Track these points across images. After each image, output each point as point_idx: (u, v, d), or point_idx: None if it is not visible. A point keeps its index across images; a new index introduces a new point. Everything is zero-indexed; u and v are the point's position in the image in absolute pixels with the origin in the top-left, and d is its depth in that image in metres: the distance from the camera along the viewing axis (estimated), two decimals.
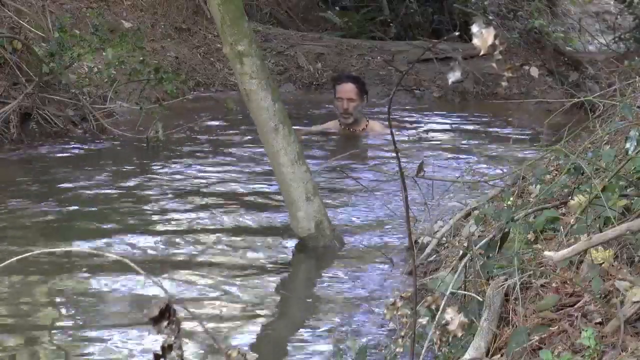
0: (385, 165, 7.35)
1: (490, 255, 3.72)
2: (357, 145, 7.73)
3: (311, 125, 8.45)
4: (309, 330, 4.30)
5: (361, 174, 6.98)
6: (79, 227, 5.54)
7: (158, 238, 5.38)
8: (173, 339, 2.28)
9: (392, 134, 3.02)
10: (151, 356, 2.32)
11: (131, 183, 6.51)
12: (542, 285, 3.49)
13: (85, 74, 8.19)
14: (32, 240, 5.25)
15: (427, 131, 8.89)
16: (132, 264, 2.39)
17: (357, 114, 7.96)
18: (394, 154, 7.34)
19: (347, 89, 7.93)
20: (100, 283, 4.68)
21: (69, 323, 4.26)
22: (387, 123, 8.43)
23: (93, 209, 5.90)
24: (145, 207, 5.96)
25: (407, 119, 9.52)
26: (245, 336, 4.20)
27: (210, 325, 4.22)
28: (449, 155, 7.86)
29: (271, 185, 6.25)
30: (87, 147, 7.61)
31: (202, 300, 4.54)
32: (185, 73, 9.97)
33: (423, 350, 3.17)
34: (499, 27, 10.84)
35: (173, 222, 5.67)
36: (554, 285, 3.45)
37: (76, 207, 5.92)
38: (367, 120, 8.16)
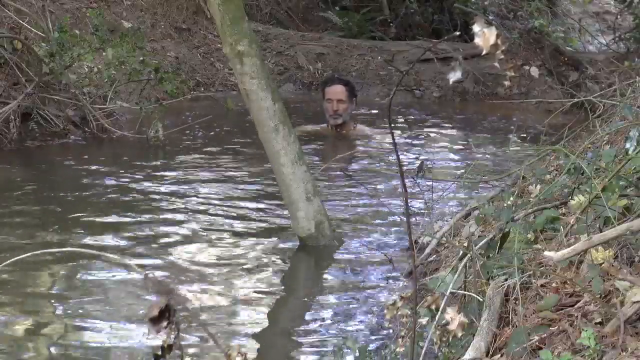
0: (385, 165, 7.35)
1: (490, 255, 3.72)
2: (348, 146, 7.73)
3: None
4: (309, 330, 4.30)
5: (360, 174, 6.99)
6: (79, 227, 5.54)
7: (158, 238, 5.38)
8: (173, 339, 2.28)
9: (392, 134, 3.02)
10: (151, 356, 2.32)
11: (131, 183, 6.50)
12: (542, 285, 3.49)
13: (85, 74, 8.18)
14: (32, 239, 5.25)
15: (423, 132, 8.90)
16: (132, 264, 2.39)
17: (346, 117, 7.97)
18: (392, 154, 7.37)
19: (337, 91, 7.94)
20: (101, 283, 4.68)
21: (69, 322, 4.26)
22: (374, 126, 8.50)
23: (93, 208, 5.90)
24: (146, 207, 5.96)
25: (406, 118, 9.54)
26: (245, 336, 4.20)
27: (210, 325, 4.22)
28: (449, 155, 7.87)
29: (271, 185, 6.25)
30: (87, 147, 7.60)
31: (202, 300, 4.54)
32: (185, 73, 9.96)
33: (423, 350, 3.17)
34: (499, 27, 10.84)
35: (173, 222, 5.66)
36: (554, 285, 3.45)
37: (76, 207, 5.92)
38: (355, 124, 8.18)
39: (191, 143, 7.92)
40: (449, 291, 3.38)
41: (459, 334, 3.08)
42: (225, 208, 6.01)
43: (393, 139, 3.04)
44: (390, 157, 7.51)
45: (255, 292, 4.70)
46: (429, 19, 12.64)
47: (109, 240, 5.31)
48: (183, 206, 6.00)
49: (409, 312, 3.09)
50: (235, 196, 6.31)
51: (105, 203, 6.03)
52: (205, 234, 5.49)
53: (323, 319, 4.39)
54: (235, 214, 5.89)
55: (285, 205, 5.26)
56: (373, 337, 4.12)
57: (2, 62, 7.61)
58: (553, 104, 8.33)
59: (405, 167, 6.72)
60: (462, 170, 6.62)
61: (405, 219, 3.71)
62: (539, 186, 4.53)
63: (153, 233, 5.46)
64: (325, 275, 5.05)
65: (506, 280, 3.49)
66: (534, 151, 5.25)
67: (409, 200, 3.12)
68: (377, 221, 5.81)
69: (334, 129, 8.04)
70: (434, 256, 4.83)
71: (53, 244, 5.18)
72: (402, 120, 9.34)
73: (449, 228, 4.93)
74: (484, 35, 2.32)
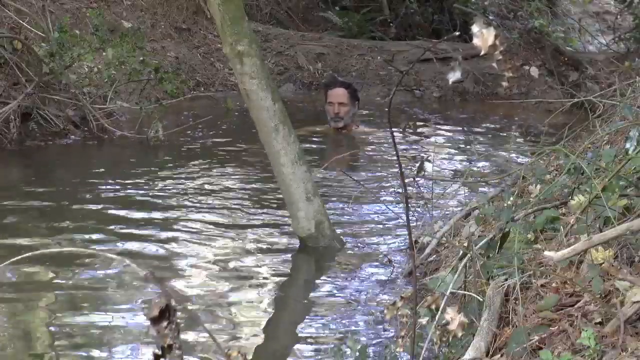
0: (385, 165, 7.35)
1: (490, 255, 3.72)
2: (350, 147, 7.76)
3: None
4: (309, 330, 4.30)
5: (361, 174, 6.99)
6: (79, 227, 5.54)
7: (158, 238, 5.38)
8: (173, 339, 2.28)
9: (392, 134, 3.02)
10: (151, 356, 2.32)
11: (131, 183, 6.50)
12: (542, 285, 3.49)
13: (85, 74, 8.19)
14: (32, 239, 5.25)
15: (423, 132, 8.92)
16: (132, 264, 2.39)
17: (348, 119, 8.01)
18: (393, 154, 7.37)
19: (339, 94, 7.99)
20: (100, 283, 4.68)
21: (69, 322, 4.26)
22: (376, 126, 8.53)
23: (93, 208, 5.90)
24: (145, 207, 5.95)
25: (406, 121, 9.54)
26: (245, 336, 4.20)
27: (210, 325, 4.22)
28: (449, 155, 7.87)
29: (271, 185, 6.25)
30: (87, 147, 7.61)
31: (202, 300, 4.54)
32: (185, 73, 9.96)
33: (423, 350, 3.17)
34: (499, 27, 10.85)
35: (173, 222, 5.66)
36: (554, 285, 3.46)
37: (76, 207, 5.92)
38: (357, 125, 8.23)
39: (191, 143, 7.92)
40: (449, 291, 3.38)
41: (459, 334, 3.08)
42: (224, 208, 6.01)
43: (393, 139, 3.04)
44: (390, 157, 7.51)
45: (255, 292, 4.70)
46: (429, 19, 12.64)
47: (108, 240, 5.31)
48: (183, 206, 5.99)
49: (409, 312, 3.09)
50: (235, 196, 6.31)
51: (105, 203, 6.02)
52: (205, 233, 5.49)
53: (323, 319, 4.39)
54: (235, 214, 5.89)
55: (286, 205, 5.26)
56: (373, 337, 4.12)
57: (2, 62, 7.61)
58: (553, 103, 8.33)
59: (405, 167, 6.74)
60: (462, 170, 6.63)
61: (405, 218, 3.71)
62: (539, 186, 4.53)
63: (153, 233, 5.46)
64: (325, 275, 5.05)
65: (506, 280, 3.49)
66: (533, 151, 5.25)
67: (409, 201, 3.12)
68: (377, 221, 5.81)
69: (336, 130, 8.07)
70: (434, 256, 4.83)
71: (53, 243, 5.18)
72: (410, 122, 9.34)
73: (449, 228, 4.93)
74: (482, 36, 2.32)
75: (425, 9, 12.67)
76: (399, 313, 3.12)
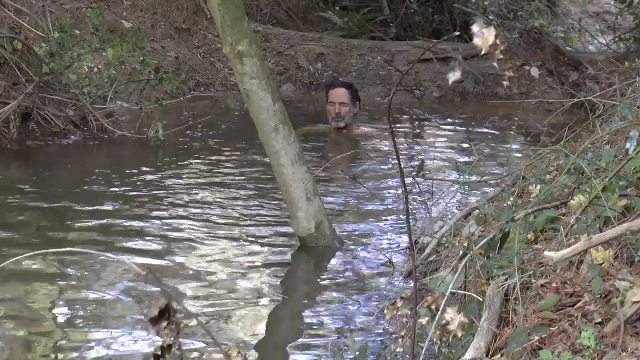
0: (385, 165, 7.35)
1: (490, 255, 3.72)
2: (350, 147, 7.76)
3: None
4: (309, 330, 4.30)
5: (361, 175, 6.99)
6: (79, 227, 5.54)
7: (158, 238, 5.38)
8: (172, 339, 2.28)
9: (392, 134, 3.02)
10: (151, 356, 2.32)
11: (131, 183, 6.50)
12: (542, 285, 3.49)
13: (85, 74, 8.19)
14: (31, 240, 5.25)
15: (423, 132, 8.92)
16: (132, 264, 2.39)
17: (349, 119, 8.01)
18: (393, 155, 7.38)
19: (340, 94, 7.99)
20: (100, 283, 4.68)
21: (69, 323, 4.26)
22: (375, 126, 8.53)
23: (93, 209, 5.90)
24: (146, 207, 5.95)
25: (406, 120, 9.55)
26: (245, 336, 4.20)
27: (210, 325, 4.22)
28: (449, 155, 7.87)
29: (271, 185, 6.25)
30: (87, 147, 7.60)
31: (202, 300, 4.54)
32: (185, 73, 9.96)
33: (423, 350, 3.17)
34: (499, 27, 10.85)
35: (173, 223, 5.66)
36: (554, 285, 3.46)
37: (76, 207, 5.92)
38: (358, 126, 8.23)
39: (191, 143, 7.92)
40: (449, 291, 3.38)
41: (459, 334, 3.08)
42: (225, 208, 6.01)
43: (393, 139, 3.04)
44: (391, 157, 7.51)
45: (255, 292, 4.70)
46: (429, 19, 12.64)
47: (108, 240, 5.31)
48: (183, 206, 5.99)
49: (409, 312, 3.09)
50: (235, 196, 6.31)
51: (105, 203, 6.02)
52: (205, 233, 5.49)
53: (323, 319, 4.39)
54: (235, 214, 5.89)
55: (285, 205, 5.26)
56: (373, 337, 4.12)
57: (2, 62, 7.60)
58: (553, 103, 8.34)
59: (405, 167, 6.74)
60: (462, 171, 6.62)
61: (405, 219, 3.71)
62: (539, 186, 4.53)
63: (153, 233, 5.46)
64: (325, 276, 5.05)
65: (506, 280, 3.49)
66: (533, 151, 5.25)
67: (409, 201, 3.13)
68: (377, 221, 5.81)
69: (336, 131, 8.08)
70: (434, 256, 4.83)
71: (53, 243, 5.18)
72: (408, 124, 9.34)
73: (449, 228, 4.93)
74: (482, 36, 2.32)
75: (425, 9, 12.67)
76: (399, 313, 3.12)
